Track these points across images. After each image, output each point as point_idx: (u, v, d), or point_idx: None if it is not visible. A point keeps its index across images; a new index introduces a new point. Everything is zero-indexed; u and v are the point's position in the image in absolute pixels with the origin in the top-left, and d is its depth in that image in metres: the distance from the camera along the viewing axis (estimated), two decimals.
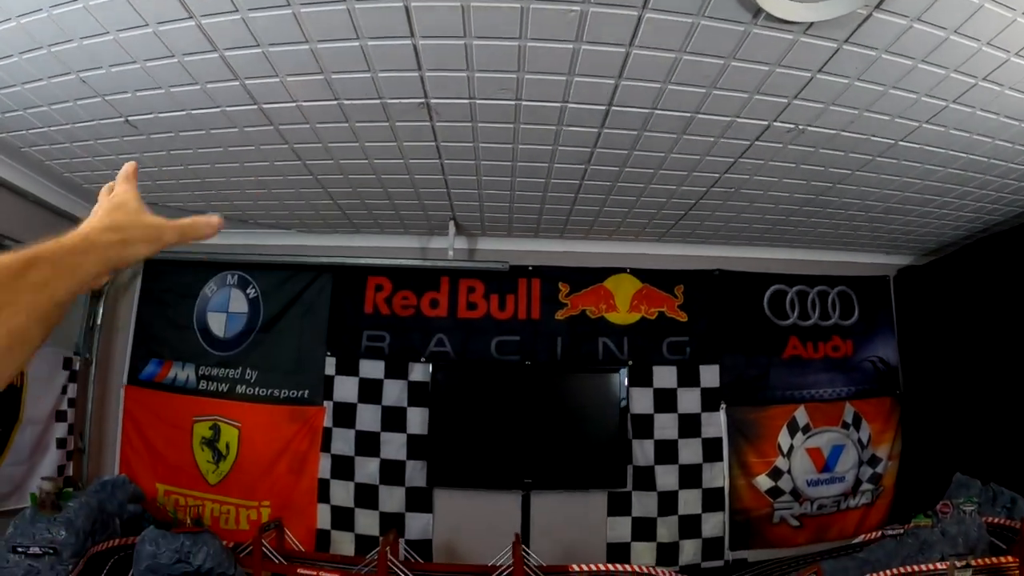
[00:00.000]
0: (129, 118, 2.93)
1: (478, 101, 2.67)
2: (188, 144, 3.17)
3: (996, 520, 3.59)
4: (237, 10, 2.13)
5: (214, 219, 0.87)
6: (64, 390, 4.16)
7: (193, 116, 2.92)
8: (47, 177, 3.66)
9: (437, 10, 2.09)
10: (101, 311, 4.45)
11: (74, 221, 0.74)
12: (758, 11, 2.02)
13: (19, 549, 3.25)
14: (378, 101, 2.71)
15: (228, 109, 2.84)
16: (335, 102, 2.75)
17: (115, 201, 0.79)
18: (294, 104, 2.77)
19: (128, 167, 0.85)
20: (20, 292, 0.57)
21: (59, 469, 4.06)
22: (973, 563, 2.93)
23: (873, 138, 2.99)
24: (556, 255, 4.52)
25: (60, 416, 4.11)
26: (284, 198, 3.91)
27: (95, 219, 0.75)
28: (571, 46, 2.25)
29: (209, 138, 3.12)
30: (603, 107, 2.66)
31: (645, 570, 3.40)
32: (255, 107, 2.80)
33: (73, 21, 2.20)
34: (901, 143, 3.05)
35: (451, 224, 4.13)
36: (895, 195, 3.80)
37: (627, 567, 3.38)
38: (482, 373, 4.36)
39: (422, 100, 2.68)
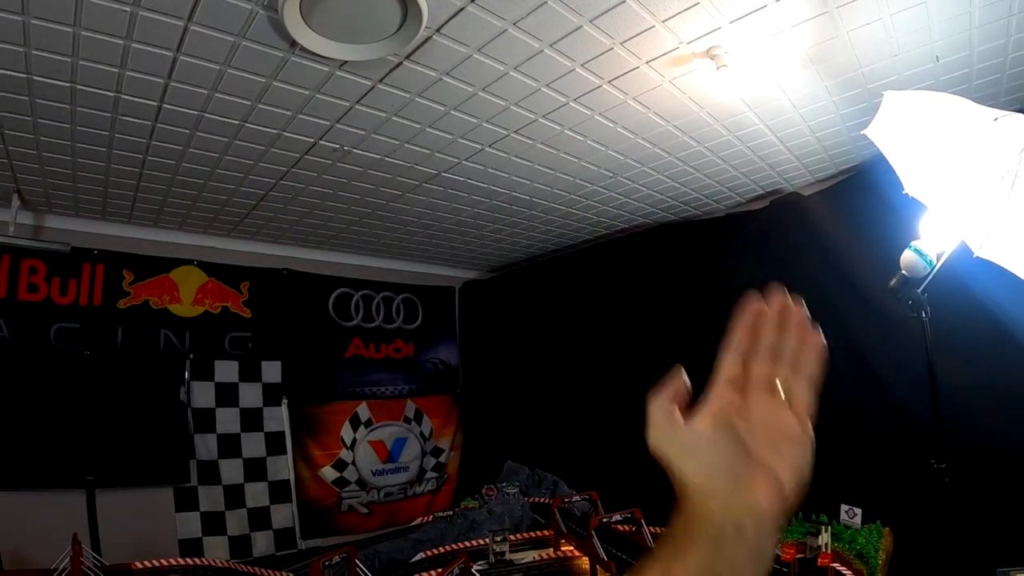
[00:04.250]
0: None
1: (35, 77, 2.50)
2: None
3: (540, 500, 4.31)
4: None
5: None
6: None
7: None
8: None
9: None
10: None
11: None
12: (294, 43, 2.28)
13: None
14: None
15: None
16: None
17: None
18: None
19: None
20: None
21: None
22: (510, 537, 3.43)
23: (417, 167, 3.46)
24: (125, 241, 4.30)
25: None
26: None
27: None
28: (121, 42, 2.26)
29: None
30: (155, 103, 2.69)
31: (202, 562, 3.41)
32: None
33: None
34: (445, 174, 3.58)
35: (15, 197, 3.68)
36: (449, 217, 4.38)
37: (188, 561, 3.37)
38: (39, 362, 3.92)
39: None
